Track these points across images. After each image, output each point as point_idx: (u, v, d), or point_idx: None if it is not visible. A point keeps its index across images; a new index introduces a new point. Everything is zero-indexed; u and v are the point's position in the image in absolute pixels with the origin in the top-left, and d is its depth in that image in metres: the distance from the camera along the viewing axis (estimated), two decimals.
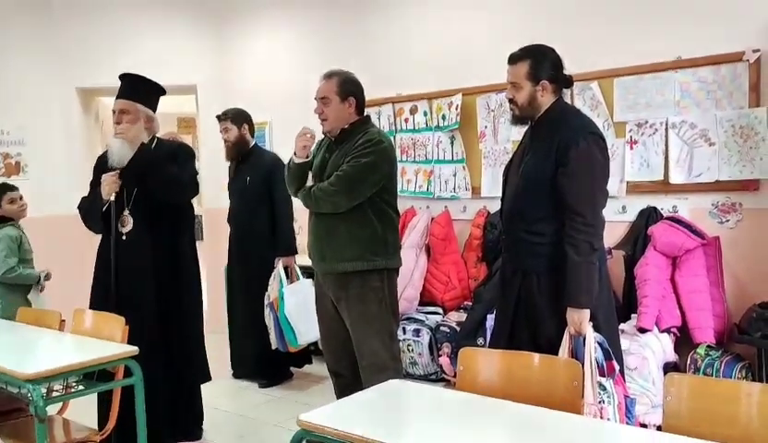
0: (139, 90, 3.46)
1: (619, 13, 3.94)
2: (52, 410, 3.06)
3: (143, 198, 3.42)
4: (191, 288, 3.60)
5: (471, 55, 4.62)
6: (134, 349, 2.66)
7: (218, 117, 4.69)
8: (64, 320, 3.12)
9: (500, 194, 3.07)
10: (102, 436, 2.72)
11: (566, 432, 1.73)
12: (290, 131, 5.62)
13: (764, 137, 3.49)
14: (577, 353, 2.59)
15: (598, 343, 2.60)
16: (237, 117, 4.63)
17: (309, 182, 3.38)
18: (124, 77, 3.48)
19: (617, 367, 2.64)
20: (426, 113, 4.86)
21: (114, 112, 3.46)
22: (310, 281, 4.60)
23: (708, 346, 3.48)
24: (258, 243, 4.61)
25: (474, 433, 1.74)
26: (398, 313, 3.56)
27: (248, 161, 4.67)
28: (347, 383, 3.54)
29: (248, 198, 4.60)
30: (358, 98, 3.30)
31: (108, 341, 2.79)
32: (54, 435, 2.70)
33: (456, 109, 4.62)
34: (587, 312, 2.58)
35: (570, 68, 2.83)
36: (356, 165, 3.16)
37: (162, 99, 3.65)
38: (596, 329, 2.62)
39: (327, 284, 3.42)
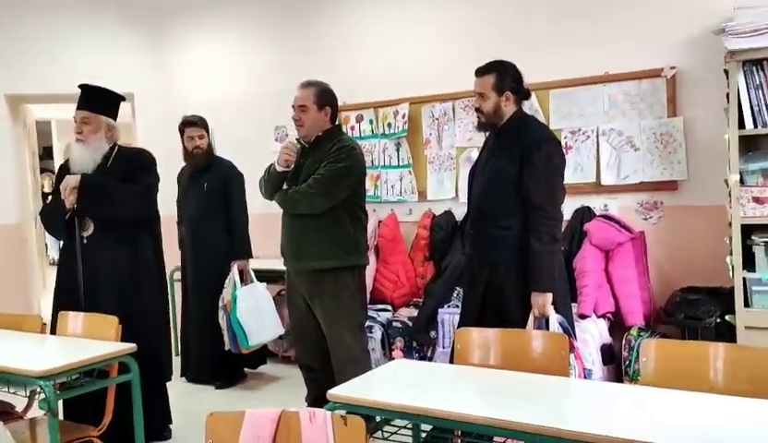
0: (100, 101, 3.52)
1: (554, 32, 4.35)
2: (37, 412, 3.10)
3: None
4: (153, 288, 3.67)
5: (415, 67, 4.92)
6: (132, 346, 2.77)
7: (189, 123, 4.73)
8: (45, 324, 3.15)
9: (465, 195, 3.40)
10: (99, 431, 2.79)
11: (562, 390, 2.04)
12: (231, 138, 5.80)
13: (681, 144, 3.99)
14: None
15: (559, 323, 2.94)
16: (207, 125, 4.74)
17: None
18: (83, 88, 3.52)
19: (575, 343, 3.00)
20: (371, 122, 5.13)
21: (75, 120, 3.50)
22: (264, 284, 4.80)
23: (639, 328, 3.92)
24: (213, 247, 4.71)
25: (480, 396, 2.02)
26: (367, 307, 3.81)
27: (207, 167, 4.76)
28: (318, 376, 3.75)
29: (205, 204, 4.70)
30: (333, 107, 3.54)
31: (98, 341, 2.88)
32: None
33: (403, 117, 4.92)
34: (550, 295, 2.93)
35: None
36: (333, 169, 3.39)
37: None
38: (556, 310, 2.98)
39: (300, 282, 3.62)
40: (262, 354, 5.03)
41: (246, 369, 5.02)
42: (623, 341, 3.89)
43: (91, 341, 2.89)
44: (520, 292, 2.98)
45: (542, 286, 2.92)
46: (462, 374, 2.25)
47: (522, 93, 3.14)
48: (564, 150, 4.28)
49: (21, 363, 2.53)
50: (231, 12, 5.99)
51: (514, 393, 2.02)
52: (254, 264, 4.83)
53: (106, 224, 3.46)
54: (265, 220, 5.28)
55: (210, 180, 4.74)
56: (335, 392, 2.06)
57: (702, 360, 2.02)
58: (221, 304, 4.65)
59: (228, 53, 6.04)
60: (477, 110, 3.14)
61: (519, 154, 2.98)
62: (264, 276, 4.89)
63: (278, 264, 5.13)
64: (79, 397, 3.09)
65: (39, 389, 2.54)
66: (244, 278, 4.72)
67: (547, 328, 2.90)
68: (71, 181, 3.39)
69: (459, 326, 3.36)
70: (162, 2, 6.33)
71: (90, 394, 2.95)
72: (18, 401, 3.16)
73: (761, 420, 1.69)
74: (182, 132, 4.85)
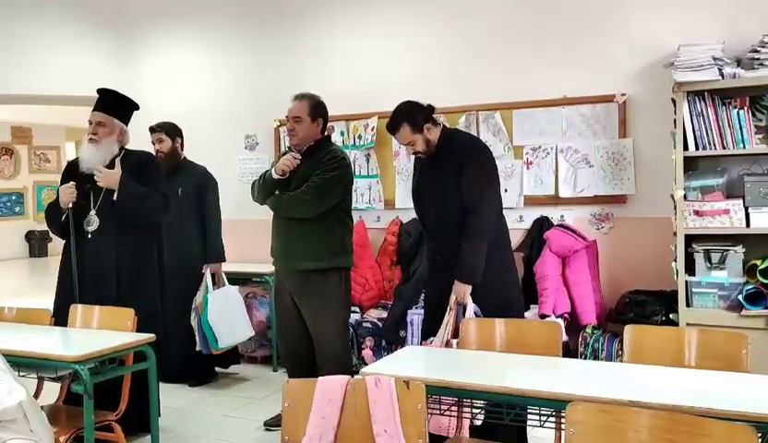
0: (117, 106, 3.73)
1: (519, 57, 4.77)
2: (45, 400, 3.22)
3: (110, 201, 3.64)
4: (153, 286, 3.84)
5: (386, 81, 5.23)
6: (152, 336, 2.96)
7: (151, 129, 4.90)
8: (53, 317, 3.28)
9: (414, 210, 3.72)
10: (116, 416, 2.95)
11: (554, 365, 2.40)
12: (200, 146, 5.95)
13: (630, 162, 4.47)
14: (458, 318, 3.21)
15: (474, 312, 3.23)
16: (171, 130, 4.91)
17: None
18: (102, 92, 3.73)
19: None
20: (342, 133, 5.42)
21: (90, 122, 3.67)
22: (236, 287, 5.01)
23: (593, 327, 4.35)
24: (188, 250, 4.87)
25: (495, 373, 2.35)
26: (350, 306, 4.08)
27: (179, 172, 4.93)
28: (300, 373, 3.97)
29: (180, 209, 4.83)
30: (325, 119, 3.82)
31: (115, 331, 3.05)
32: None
33: (372, 130, 5.23)
34: (470, 286, 3.24)
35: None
36: (325, 178, 3.66)
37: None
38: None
39: (289, 282, 3.85)
40: (233, 355, 5.21)
41: (217, 369, 5.18)
42: (579, 338, 4.32)
43: (107, 331, 3.05)
44: (488, 289, 3.27)
45: (465, 277, 3.24)
46: (471, 356, 2.56)
47: (432, 114, 3.45)
48: (525, 164, 4.75)
49: (52, 351, 2.68)
50: (201, 21, 6.14)
51: (517, 368, 2.35)
52: (224, 267, 5.02)
53: (118, 222, 3.62)
54: (235, 225, 5.48)
55: (185, 185, 4.91)
56: (366, 370, 2.33)
57: (675, 342, 2.42)
58: (193, 306, 4.83)
59: (198, 61, 6.18)
60: (415, 153, 3.46)
61: (453, 168, 3.33)
62: (234, 279, 5.09)
63: (247, 267, 5.40)
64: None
65: (68, 375, 2.68)
66: (216, 281, 4.91)
67: (464, 314, 3.19)
68: (110, 177, 3.52)
69: (426, 319, 3.62)
70: (129, 8, 6.43)
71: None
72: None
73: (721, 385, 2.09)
74: None
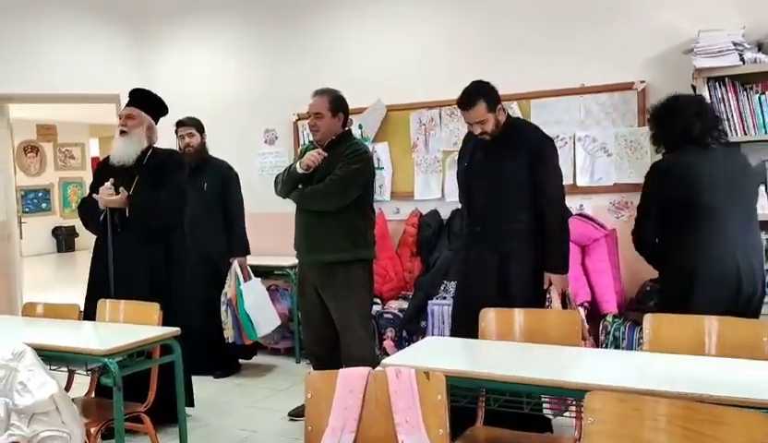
0: (146, 101, 3.87)
1: (535, 47, 4.75)
2: (76, 392, 3.31)
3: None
4: (180, 279, 3.93)
5: (404, 74, 5.25)
6: (177, 330, 3.02)
7: (181, 122, 4.97)
8: (81, 311, 3.36)
9: (456, 194, 3.73)
10: (145, 407, 3.03)
11: (576, 355, 2.42)
12: (220, 141, 6.00)
13: (647, 150, 4.45)
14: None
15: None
16: (200, 126, 4.99)
17: None
18: (133, 90, 3.89)
19: None
20: (360, 126, 5.45)
21: (120, 116, 3.83)
22: (259, 279, 5.08)
23: (613, 316, 4.35)
24: (212, 244, 4.94)
25: (515, 363, 2.37)
26: (373, 297, 4.13)
27: (204, 167, 5.00)
28: (324, 363, 4.04)
29: (205, 203, 4.91)
30: (345, 113, 3.86)
31: (141, 325, 3.12)
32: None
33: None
34: (567, 275, 3.32)
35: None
36: (347, 171, 3.71)
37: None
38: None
39: (313, 274, 3.91)
40: (254, 346, 5.29)
41: (240, 360, 5.26)
42: (600, 327, 4.32)
43: (134, 325, 3.12)
44: (527, 278, 3.32)
45: (563, 268, 3.32)
46: (492, 345, 2.59)
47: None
48: None
49: (81, 345, 2.76)
50: (217, 17, 6.19)
51: (537, 358, 2.38)
52: (250, 260, 5.09)
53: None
54: (255, 218, 5.53)
55: (209, 180, 4.98)
56: (387, 361, 2.37)
57: (695, 330, 2.43)
58: (223, 298, 4.91)
59: (217, 56, 6.23)
60: (483, 133, 3.41)
61: (525, 154, 3.33)
62: (255, 272, 5.16)
63: (268, 260, 5.46)
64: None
65: (97, 368, 2.76)
66: (242, 273, 4.97)
67: (565, 305, 3.26)
68: (116, 201, 3.65)
69: (457, 309, 3.64)
70: (148, 4, 6.50)
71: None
72: None
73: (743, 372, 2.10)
74: (176, 133, 5.07)
